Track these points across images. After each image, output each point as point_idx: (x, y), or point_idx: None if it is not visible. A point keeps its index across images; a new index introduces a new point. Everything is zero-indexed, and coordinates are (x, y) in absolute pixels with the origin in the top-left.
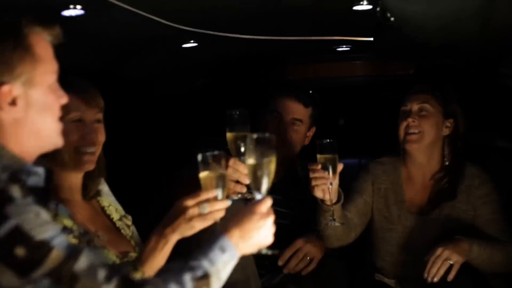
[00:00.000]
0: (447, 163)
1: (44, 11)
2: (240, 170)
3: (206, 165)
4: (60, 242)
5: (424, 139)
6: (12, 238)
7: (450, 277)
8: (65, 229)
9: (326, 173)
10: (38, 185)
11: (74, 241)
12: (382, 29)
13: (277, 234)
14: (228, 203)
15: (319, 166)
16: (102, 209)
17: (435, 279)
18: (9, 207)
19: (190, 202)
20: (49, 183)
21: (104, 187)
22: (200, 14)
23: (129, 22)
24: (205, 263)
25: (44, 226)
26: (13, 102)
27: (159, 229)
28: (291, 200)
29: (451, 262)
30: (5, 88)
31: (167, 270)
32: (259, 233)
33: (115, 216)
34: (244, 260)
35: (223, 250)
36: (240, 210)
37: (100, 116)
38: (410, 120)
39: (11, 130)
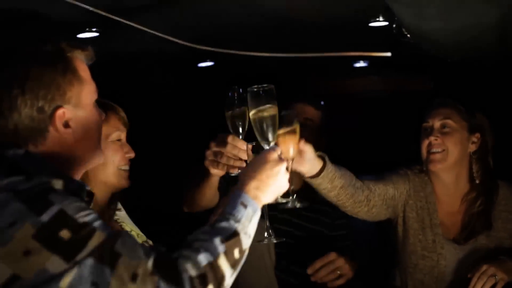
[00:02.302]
0: (477, 182)
1: (59, 34)
2: (238, 146)
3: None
4: (100, 224)
5: (449, 158)
6: (56, 222)
7: None
8: None
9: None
10: (78, 191)
11: None
12: (399, 44)
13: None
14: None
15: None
16: None
17: None
18: (52, 195)
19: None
20: (89, 201)
21: (122, 211)
22: (214, 33)
23: (144, 42)
24: (231, 222)
25: (85, 211)
26: (66, 124)
27: None
28: (316, 205)
29: (497, 279)
30: (60, 111)
31: (196, 239)
32: (275, 180)
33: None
34: (266, 280)
35: (244, 205)
36: (252, 162)
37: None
38: (432, 138)
39: (56, 148)
